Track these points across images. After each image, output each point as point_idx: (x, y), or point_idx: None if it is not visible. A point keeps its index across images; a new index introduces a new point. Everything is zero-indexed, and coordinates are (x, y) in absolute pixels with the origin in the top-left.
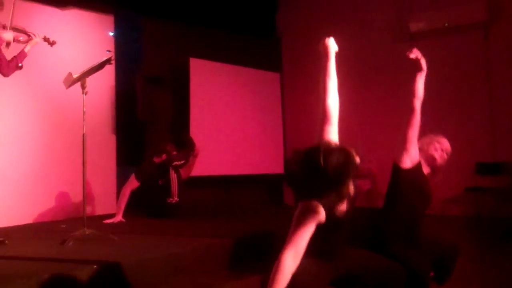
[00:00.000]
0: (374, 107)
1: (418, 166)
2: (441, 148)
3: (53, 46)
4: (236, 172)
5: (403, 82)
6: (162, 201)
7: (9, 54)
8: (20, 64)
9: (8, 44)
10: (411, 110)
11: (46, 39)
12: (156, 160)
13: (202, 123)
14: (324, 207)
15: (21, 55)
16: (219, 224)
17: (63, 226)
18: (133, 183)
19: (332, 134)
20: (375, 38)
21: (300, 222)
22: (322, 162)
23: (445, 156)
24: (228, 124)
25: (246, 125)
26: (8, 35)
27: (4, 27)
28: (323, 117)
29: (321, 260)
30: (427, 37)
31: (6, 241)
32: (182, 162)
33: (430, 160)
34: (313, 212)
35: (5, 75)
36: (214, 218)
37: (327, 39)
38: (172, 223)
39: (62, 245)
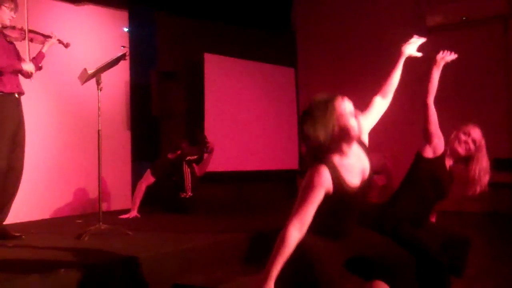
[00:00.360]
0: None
1: (440, 158)
2: (467, 139)
3: (68, 47)
4: (250, 167)
5: (419, 78)
6: (175, 196)
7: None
8: (40, 65)
9: (30, 75)
10: (424, 106)
11: (60, 42)
12: (170, 156)
13: (216, 119)
14: (330, 171)
15: (40, 56)
16: (233, 219)
17: (79, 221)
18: (149, 178)
19: (364, 123)
20: (392, 33)
21: (306, 190)
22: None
23: (471, 146)
24: (242, 120)
25: (261, 120)
26: (29, 67)
27: (21, 30)
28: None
29: (332, 238)
30: (444, 31)
31: (23, 236)
32: (196, 157)
33: (454, 153)
34: (318, 176)
35: (26, 78)
36: (228, 214)
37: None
38: (187, 218)
39: (78, 239)
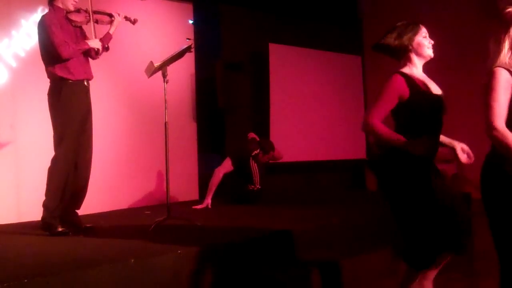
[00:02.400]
0: (456, 88)
1: None
2: None
3: (135, 23)
4: (317, 158)
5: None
6: (244, 188)
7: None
8: (106, 46)
9: (97, 52)
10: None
11: (127, 18)
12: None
13: (282, 109)
14: (404, 78)
15: (107, 37)
16: (301, 210)
17: (148, 212)
18: (228, 167)
19: None
20: (461, 16)
21: (384, 90)
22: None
23: None
24: (308, 109)
25: (327, 109)
26: (95, 43)
27: (86, 12)
28: None
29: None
30: None
31: (94, 227)
32: (258, 151)
33: None
34: (394, 80)
35: (94, 57)
36: (296, 205)
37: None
38: (256, 210)
39: (147, 230)
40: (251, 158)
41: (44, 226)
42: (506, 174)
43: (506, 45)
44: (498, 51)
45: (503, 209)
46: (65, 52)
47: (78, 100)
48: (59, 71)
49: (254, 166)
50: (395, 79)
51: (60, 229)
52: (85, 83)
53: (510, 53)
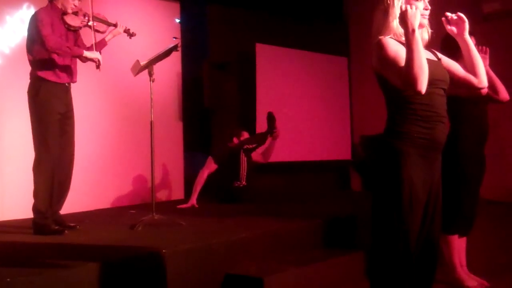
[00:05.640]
0: None
1: None
2: None
3: (132, 37)
4: (302, 158)
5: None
6: (229, 185)
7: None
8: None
9: (98, 66)
10: None
11: (126, 31)
12: (230, 144)
13: (268, 109)
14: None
15: (101, 43)
16: (285, 209)
17: (132, 211)
18: (211, 166)
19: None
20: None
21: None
22: None
23: None
24: (294, 110)
25: (313, 110)
26: (94, 54)
27: (85, 16)
28: None
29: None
30: (501, 19)
31: (78, 226)
32: (254, 146)
33: None
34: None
35: (83, 61)
36: (281, 204)
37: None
38: (240, 208)
39: (132, 230)
40: (242, 151)
41: (37, 228)
42: (396, 151)
43: (394, 12)
44: (385, 20)
45: (389, 186)
46: (51, 41)
47: (57, 100)
48: (43, 73)
49: (243, 160)
50: None
51: (54, 228)
52: (66, 84)
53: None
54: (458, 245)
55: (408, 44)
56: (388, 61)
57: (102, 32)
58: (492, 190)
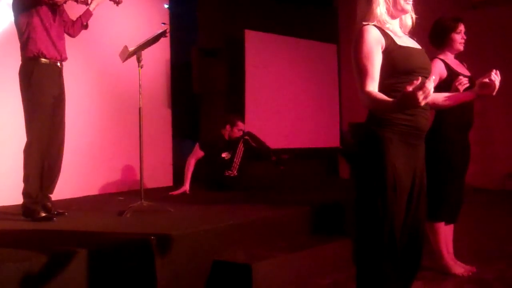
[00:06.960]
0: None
1: None
2: None
3: (119, 4)
4: (291, 145)
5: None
6: (220, 174)
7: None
8: (85, 23)
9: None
10: None
11: None
12: (223, 131)
13: (257, 96)
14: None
15: (87, 14)
16: (274, 196)
17: (121, 198)
18: (197, 153)
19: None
20: (435, 7)
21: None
22: None
23: None
24: (283, 96)
25: (302, 97)
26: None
27: None
28: None
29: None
30: (491, 6)
31: (66, 213)
32: (254, 146)
33: None
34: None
35: (72, 35)
36: (269, 191)
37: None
38: (230, 196)
39: (120, 217)
40: (242, 141)
41: (26, 213)
42: (379, 138)
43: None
44: (369, 7)
45: (373, 173)
46: None
47: (50, 82)
48: (32, 48)
49: (240, 150)
50: None
51: (43, 215)
52: (58, 64)
53: (384, 8)
54: (445, 232)
55: (387, 108)
56: (358, 54)
57: (86, 2)
58: (479, 177)
